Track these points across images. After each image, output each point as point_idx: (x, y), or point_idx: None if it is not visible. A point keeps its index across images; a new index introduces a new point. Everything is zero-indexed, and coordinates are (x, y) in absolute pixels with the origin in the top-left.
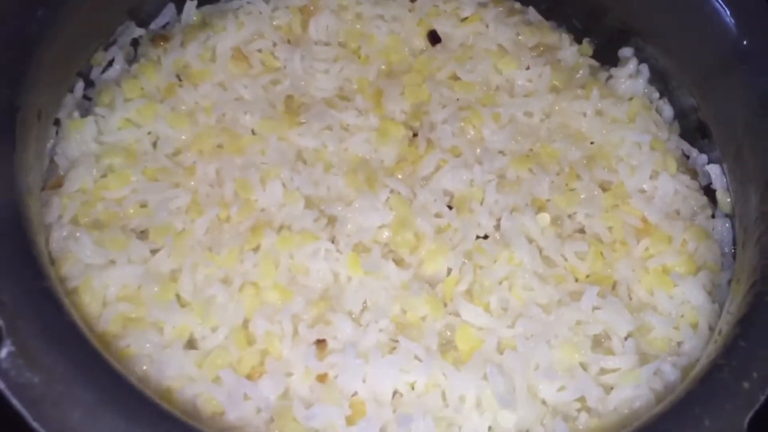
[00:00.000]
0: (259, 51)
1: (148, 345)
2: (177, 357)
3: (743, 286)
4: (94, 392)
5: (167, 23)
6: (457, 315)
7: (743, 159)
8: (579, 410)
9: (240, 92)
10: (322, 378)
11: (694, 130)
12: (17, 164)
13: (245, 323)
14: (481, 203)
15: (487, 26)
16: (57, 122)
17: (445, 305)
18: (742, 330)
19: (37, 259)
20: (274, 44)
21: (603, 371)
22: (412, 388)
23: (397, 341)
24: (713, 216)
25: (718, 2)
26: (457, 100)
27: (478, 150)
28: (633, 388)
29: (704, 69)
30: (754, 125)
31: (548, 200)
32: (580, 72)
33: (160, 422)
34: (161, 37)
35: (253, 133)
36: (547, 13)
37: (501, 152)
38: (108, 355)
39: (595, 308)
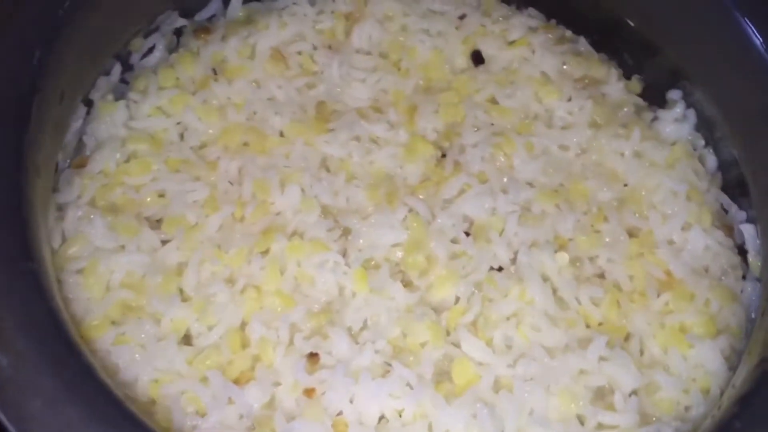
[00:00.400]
0: (299, 53)
1: (143, 335)
2: (170, 351)
3: (754, 359)
4: (58, 382)
5: (213, 16)
6: (458, 346)
7: None
8: None
9: (273, 92)
10: (309, 392)
11: (735, 185)
12: (27, 143)
13: (242, 326)
14: (501, 234)
15: (533, 52)
16: (90, 103)
17: (448, 334)
18: (740, 409)
19: (29, 240)
20: (315, 48)
21: (600, 426)
22: (399, 416)
23: (390, 365)
24: (744, 277)
25: None
26: (492, 124)
27: (506, 179)
28: None
29: (749, 122)
30: None
31: (570, 239)
32: (625, 109)
33: (117, 421)
34: (203, 29)
35: (281, 135)
36: (599, 45)
37: (529, 183)
38: (89, 344)
39: (601, 359)
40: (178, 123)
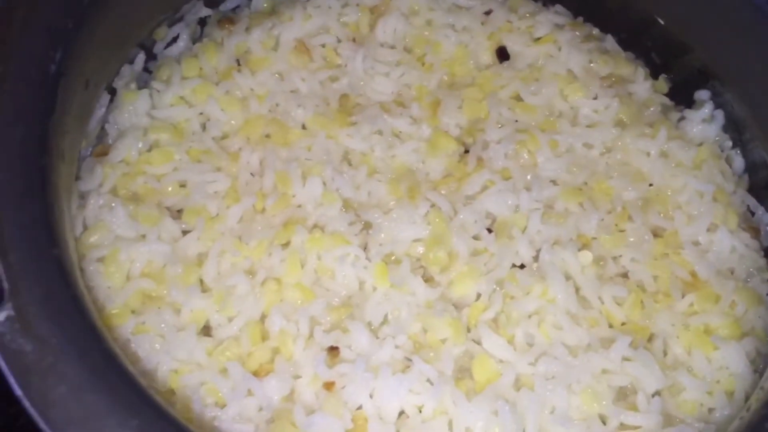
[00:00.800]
0: (323, 46)
1: (163, 325)
2: (189, 341)
3: None
4: (81, 369)
5: (237, 6)
6: (479, 343)
7: None
8: None
9: (296, 84)
10: (329, 386)
11: (763, 187)
12: (52, 128)
13: (262, 318)
14: (523, 231)
15: (559, 49)
16: (113, 91)
17: (468, 331)
18: None
19: (53, 225)
20: (339, 41)
21: (622, 426)
22: (420, 411)
23: (411, 360)
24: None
25: None
26: (516, 121)
27: (529, 176)
28: None
29: None
30: None
31: (594, 238)
32: (651, 109)
33: (140, 409)
34: (227, 20)
35: (303, 127)
36: (626, 43)
37: (553, 181)
38: (109, 332)
39: (625, 359)
40: (201, 113)
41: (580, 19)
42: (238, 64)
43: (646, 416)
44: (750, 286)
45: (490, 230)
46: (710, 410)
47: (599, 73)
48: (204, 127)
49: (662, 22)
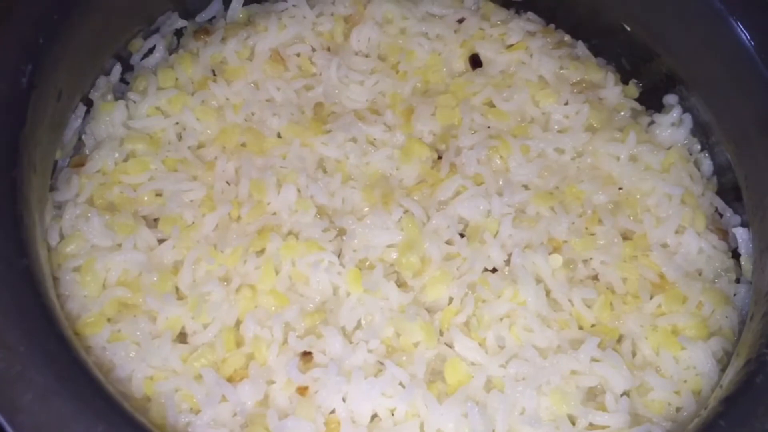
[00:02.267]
0: (297, 55)
1: (138, 332)
2: (164, 348)
3: (741, 361)
4: (49, 376)
5: (213, 17)
6: (451, 346)
7: (766, 227)
8: None
9: (272, 93)
10: (302, 391)
11: (730, 189)
12: (23, 140)
13: (237, 324)
14: (495, 236)
15: (531, 56)
16: (90, 102)
17: (441, 334)
18: (725, 408)
19: (23, 236)
20: (313, 50)
21: (591, 427)
22: (392, 415)
23: (383, 364)
24: (738, 281)
25: (764, 64)
26: (488, 127)
27: (501, 181)
28: None
29: (742, 127)
30: None
31: (565, 242)
32: (621, 113)
33: (107, 414)
34: (203, 31)
35: (279, 136)
36: (597, 49)
37: (524, 186)
38: (83, 340)
39: (593, 360)
40: (177, 123)
41: (552, 26)
42: (214, 75)
43: (615, 416)
44: (717, 287)
45: (462, 235)
46: (678, 409)
47: (570, 79)
48: (180, 136)
49: (629, 29)
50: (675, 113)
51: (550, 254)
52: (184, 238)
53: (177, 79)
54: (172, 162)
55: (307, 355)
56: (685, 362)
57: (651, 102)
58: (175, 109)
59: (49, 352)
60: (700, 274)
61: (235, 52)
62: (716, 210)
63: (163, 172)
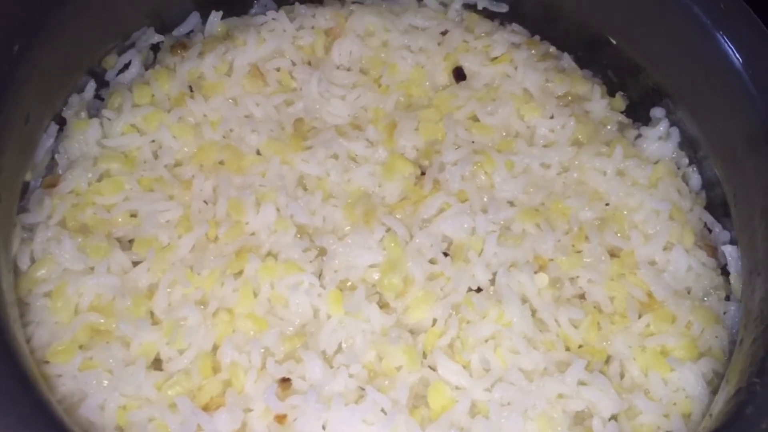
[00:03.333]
0: (277, 70)
1: (111, 360)
2: (138, 376)
3: (731, 388)
4: (11, 418)
5: (191, 32)
6: (435, 369)
7: (755, 247)
8: None
9: (251, 109)
10: (280, 419)
11: (719, 204)
12: None
13: (214, 350)
14: (480, 254)
15: (516, 68)
16: (63, 121)
17: (424, 357)
18: None
19: None
20: (294, 64)
21: None
22: None
23: (364, 390)
24: (728, 299)
25: (750, 80)
26: (473, 142)
27: (486, 197)
28: None
29: (729, 143)
30: None
31: (551, 260)
32: (608, 127)
33: None
34: (180, 45)
35: (258, 153)
36: (583, 61)
37: (510, 203)
38: (51, 368)
39: (580, 383)
40: (153, 141)
41: (537, 37)
42: (191, 90)
43: None
44: (707, 305)
45: (446, 254)
46: None
47: (555, 92)
48: (156, 155)
49: (614, 42)
50: (662, 127)
51: (536, 273)
52: (160, 260)
53: (153, 95)
54: (147, 181)
55: (285, 381)
56: (675, 384)
57: (638, 115)
58: (151, 127)
59: (11, 392)
60: (689, 293)
61: (213, 67)
62: (705, 225)
63: (139, 192)
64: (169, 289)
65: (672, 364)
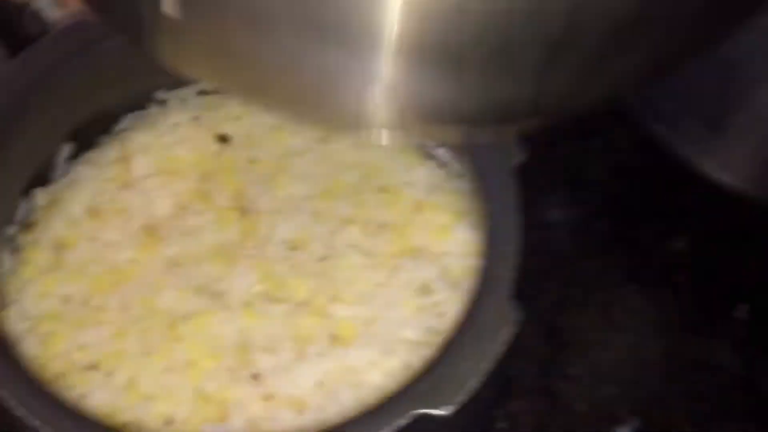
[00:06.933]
0: (108, 203)
1: None
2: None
3: None
4: None
5: (27, 214)
6: (332, 316)
7: None
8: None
9: (107, 237)
10: (268, 398)
11: None
12: None
13: (200, 390)
14: (311, 237)
15: (256, 116)
16: None
17: (321, 314)
18: None
19: None
20: (114, 193)
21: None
22: (327, 374)
23: (304, 350)
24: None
25: None
26: (262, 175)
27: (292, 202)
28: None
29: None
30: None
31: (352, 215)
32: None
33: None
34: (29, 225)
35: (132, 262)
36: None
37: (308, 197)
38: None
39: (413, 270)
40: (61, 296)
41: None
42: (61, 249)
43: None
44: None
45: (294, 249)
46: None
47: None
48: (67, 301)
49: None
50: None
51: (347, 227)
52: (125, 363)
53: (36, 267)
54: (77, 321)
55: (257, 375)
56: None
57: None
58: (53, 288)
59: None
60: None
61: (64, 226)
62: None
63: (78, 331)
64: (148, 375)
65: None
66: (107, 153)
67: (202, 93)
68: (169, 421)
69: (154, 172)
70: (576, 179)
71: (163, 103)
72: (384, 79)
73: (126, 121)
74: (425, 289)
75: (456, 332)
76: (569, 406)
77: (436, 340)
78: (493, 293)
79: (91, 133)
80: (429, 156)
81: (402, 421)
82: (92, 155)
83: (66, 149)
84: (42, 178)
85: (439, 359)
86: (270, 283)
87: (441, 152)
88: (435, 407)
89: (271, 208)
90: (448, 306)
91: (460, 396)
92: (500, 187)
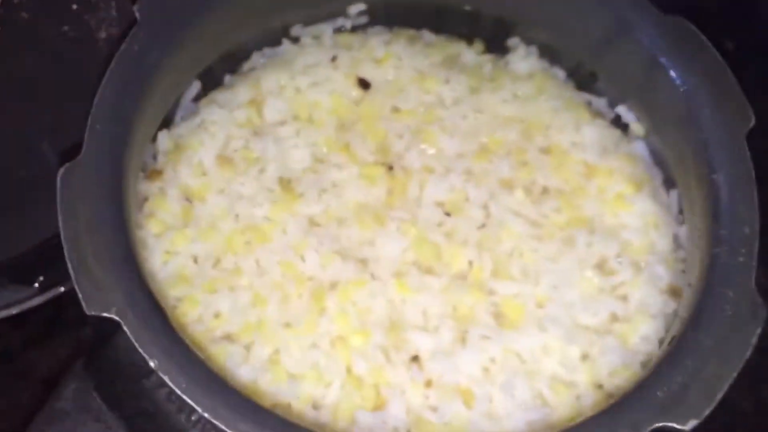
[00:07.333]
0: (236, 150)
1: None
2: (309, 417)
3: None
4: None
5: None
6: (495, 293)
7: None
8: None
9: (239, 190)
10: (428, 384)
11: (586, 80)
12: None
13: (349, 370)
14: (467, 200)
15: (400, 59)
16: None
17: (482, 290)
18: None
19: None
20: (246, 140)
21: (614, 287)
22: (494, 361)
23: (466, 331)
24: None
25: None
26: (408, 127)
27: (443, 160)
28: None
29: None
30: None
31: (513, 178)
32: (485, 68)
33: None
34: (154, 173)
35: (268, 220)
36: (438, 30)
37: (460, 155)
38: None
39: (588, 244)
40: (190, 255)
41: (396, 28)
42: (189, 201)
43: (624, 273)
44: (622, 152)
45: (448, 213)
46: (652, 245)
47: (437, 61)
48: (197, 263)
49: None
50: (521, 50)
51: (511, 191)
52: (264, 335)
53: (163, 221)
54: (208, 285)
55: (415, 357)
56: (638, 210)
57: (498, 49)
58: (180, 245)
59: None
60: (605, 150)
61: (190, 175)
62: (590, 103)
63: (208, 297)
64: (287, 350)
65: (628, 199)
66: (237, 94)
67: (340, 30)
68: (317, 405)
69: (288, 118)
70: None
71: (296, 40)
72: None
73: (256, 59)
74: (603, 268)
75: (690, 328)
76: None
77: (621, 329)
78: (733, 284)
79: (218, 72)
80: (598, 113)
81: None
82: (219, 96)
83: (194, 88)
84: (166, 120)
85: (676, 361)
86: (423, 251)
87: (621, 109)
88: (679, 421)
89: (420, 166)
90: (631, 289)
91: (707, 409)
92: (730, 156)
